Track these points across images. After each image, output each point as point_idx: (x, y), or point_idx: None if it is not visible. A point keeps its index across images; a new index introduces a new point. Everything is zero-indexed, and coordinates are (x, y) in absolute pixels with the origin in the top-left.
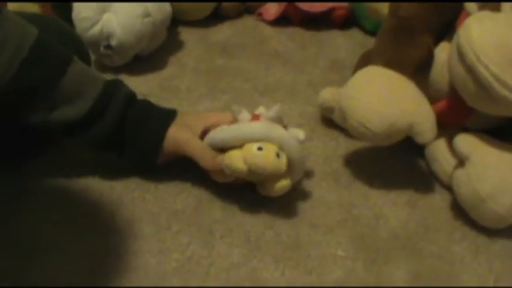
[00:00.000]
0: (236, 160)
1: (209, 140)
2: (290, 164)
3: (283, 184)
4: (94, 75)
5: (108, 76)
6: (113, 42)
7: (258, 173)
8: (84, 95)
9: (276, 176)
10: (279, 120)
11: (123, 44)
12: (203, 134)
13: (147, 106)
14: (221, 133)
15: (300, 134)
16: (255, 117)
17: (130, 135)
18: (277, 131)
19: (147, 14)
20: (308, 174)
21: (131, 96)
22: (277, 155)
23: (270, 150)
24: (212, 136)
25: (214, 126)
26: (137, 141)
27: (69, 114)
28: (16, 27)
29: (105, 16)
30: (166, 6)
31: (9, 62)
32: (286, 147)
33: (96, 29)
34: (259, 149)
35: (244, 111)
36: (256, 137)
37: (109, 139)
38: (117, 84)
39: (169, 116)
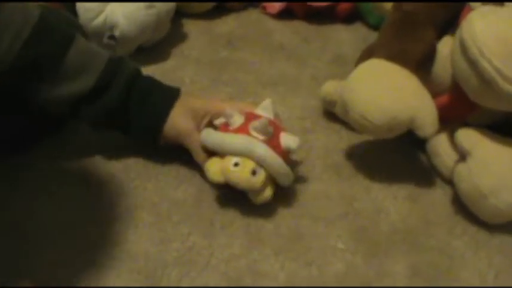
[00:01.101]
0: (214, 171)
1: (201, 139)
2: (272, 177)
3: (264, 196)
4: (98, 51)
5: None
6: (117, 33)
7: (234, 187)
8: (90, 69)
9: (253, 191)
10: (275, 116)
11: (126, 35)
12: (208, 123)
13: (152, 82)
14: (209, 137)
15: (293, 142)
16: (246, 123)
17: (136, 109)
18: (258, 148)
19: (151, 5)
20: (309, 167)
21: (137, 71)
22: (254, 172)
23: (246, 167)
24: (203, 137)
25: (219, 115)
26: (141, 118)
27: (75, 88)
28: (17, 8)
29: (109, 7)
30: None
31: (12, 42)
32: (265, 164)
33: (99, 20)
34: (236, 164)
35: (236, 115)
36: (236, 151)
37: (114, 114)
38: (123, 59)
39: (173, 95)
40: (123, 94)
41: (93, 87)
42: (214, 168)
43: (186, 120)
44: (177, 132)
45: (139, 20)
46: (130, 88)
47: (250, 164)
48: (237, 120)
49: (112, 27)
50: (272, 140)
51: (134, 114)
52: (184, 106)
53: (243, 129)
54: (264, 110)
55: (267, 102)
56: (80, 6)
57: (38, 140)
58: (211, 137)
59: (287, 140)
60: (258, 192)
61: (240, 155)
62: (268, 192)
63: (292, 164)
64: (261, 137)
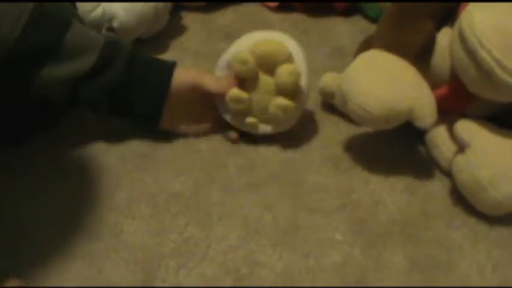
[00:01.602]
0: (243, 52)
1: (220, 62)
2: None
3: (289, 68)
4: (95, 34)
5: None
6: (115, 25)
7: (263, 55)
8: (89, 49)
9: (282, 59)
10: None
11: (125, 26)
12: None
13: (149, 57)
14: (229, 48)
15: None
16: None
17: (138, 81)
18: (275, 33)
19: None
20: (308, 159)
21: (133, 50)
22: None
23: (272, 39)
24: (223, 56)
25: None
26: (145, 87)
27: (76, 68)
28: None
29: None
30: None
31: (12, 27)
32: (288, 42)
33: (98, 11)
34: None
35: None
36: (259, 38)
37: (116, 93)
38: (119, 40)
39: (171, 64)
40: (125, 70)
41: (94, 66)
42: (243, 51)
43: (192, 69)
44: (187, 79)
45: (137, 11)
46: (131, 64)
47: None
48: None
49: (110, 19)
50: None
51: (137, 87)
52: (184, 69)
53: None
54: None
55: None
56: None
57: (36, 131)
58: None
59: None
60: (284, 63)
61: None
62: (292, 65)
63: None
64: None
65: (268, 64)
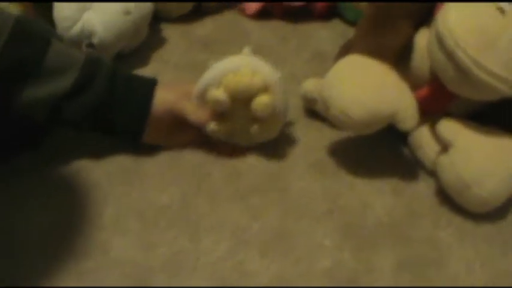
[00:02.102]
0: (216, 91)
1: (195, 92)
2: (268, 84)
3: (264, 99)
4: (75, 51)
5: None
6: (95, 41)
7: (237, 92)
8: (70, 67)
9: (256, 91)
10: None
11: (104, 42)
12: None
13: (130, 73)
14: (203, 78)
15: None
16: None
17: (120, 101)
18: (248, 58)
19: (128, 11)
20: (292, 165)
21: (115, 66)
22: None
23: (245, 71)
24: (197, 85)
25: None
26: (128, 106)
27: (57, 87)
28: None
29: (86, 14)
30: (147, 3)
31: None
32: (259, 71)
33: (77, 28)
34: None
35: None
36: (231, 66)
37: (98, 111)
38: (99, 57)
39: (153, 81)
40: (106, 88)
41: (74, 85)
42: (215, 90)
43: (171, 92)
44: (167, 105)
45: (117, 27)
46: (112, 81)
47: (247, 70)
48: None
49: (90, 35)
50: None
51: (119, 104)
52: (165, 87)
53: None
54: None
55: (246, 51)
56: (56, 15)
57: (19, 152)
58: (205, 75)
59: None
60: (258, 95)
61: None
62: (267, 97)
63: None
64: None
65: (243, 98)
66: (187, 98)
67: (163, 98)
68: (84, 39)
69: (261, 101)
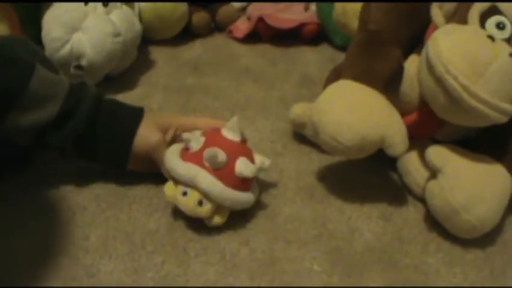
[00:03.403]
0: (168, 195)
1: (163, 161)
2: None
3: (214, 222)
4: (60, 78)
5: None
6: (83, 63)
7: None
8: (53, 96)
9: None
10: (240, 134)
11: (93, 64)
12: (176, 137)
13: (116, 103)
14: (168, 162)
15: (246, 170)
16: (203, 148)
17: (103, 132)
18: (201, 183)
19: (117, 34)
20: (282, 190)
21: (100, 94)
22: (200, 203)
23: (193, 197)
24: (165, 157)
25: (183, 128)
26: (109, 138)
27: (40, 116)
28: None
29: (75, 36)
30: (136, 25)
31: None
32: (210, 197)
33: (66, 49)
34: (184, 193)
35: (195, 139)
36: (183, 180)
37: (81, 140)
38: (85, 84)
39: (138, 113)
40: (89, 118)
41: (58, 114)
42: (169, 192)
43: (155, 132)
44: (147, 146)
45: (106, 49)
46: (96, 112)
47: (196, 195)
48: (195, 145)
49: (79, 57)
50: (225, 168)
51: (101, 137)
52: (150, 120)
53: (196, 157)
54: (230, 130)
55: (233, 122)
56: (45, 36)
57: (4, 175)
58: (169, 162)
59: (242, 167)
60: (208, 219)
61: (186, 184)
62: (217, 220)
63: (255, 187)
64: (212, 167)
65: None
66: (166, 133)
67: (145, 140)
68: (72, 61)
69: (211, 223)
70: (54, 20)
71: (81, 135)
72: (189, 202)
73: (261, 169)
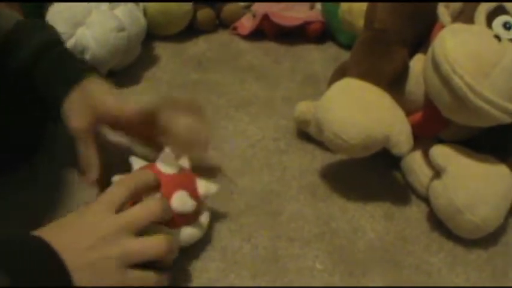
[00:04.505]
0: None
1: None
2: None
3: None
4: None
5: None
6: (87, 57)
7: None
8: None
9: None
10: (176, 165)
11: (97, 58)
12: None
13: (61, 60)
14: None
15: (208, 190)
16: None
17: (41, 79)
18: None
19: (121, 28)
20: (285, 188)
21: (56, 39)
22: None
23: None
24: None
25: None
26: (44, 90)
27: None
28: None
29: (79, 30)
30: (141, 21)
31: None
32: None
33: (70, 44)
34: None
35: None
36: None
37: (27, 74)
38: (43, 23)
39: (75, 78)
40: (33, 56)
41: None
42: None
43: (77, 117)
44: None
45: (110, 43)
46: (39, 56)
47: None
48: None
49: (83, 51)
50: None
51: (41, 83)
52: (83, 97)
53: None
54: (163, 163)
55: (166, 154)
56: None
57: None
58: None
59: (178, 204)
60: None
61: None
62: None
63: (203, 216)
64: None
65: None
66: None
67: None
68: (76, 55)
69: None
70: (58, 15)
71: (27, 69)
72: None
73: (205, 197)
